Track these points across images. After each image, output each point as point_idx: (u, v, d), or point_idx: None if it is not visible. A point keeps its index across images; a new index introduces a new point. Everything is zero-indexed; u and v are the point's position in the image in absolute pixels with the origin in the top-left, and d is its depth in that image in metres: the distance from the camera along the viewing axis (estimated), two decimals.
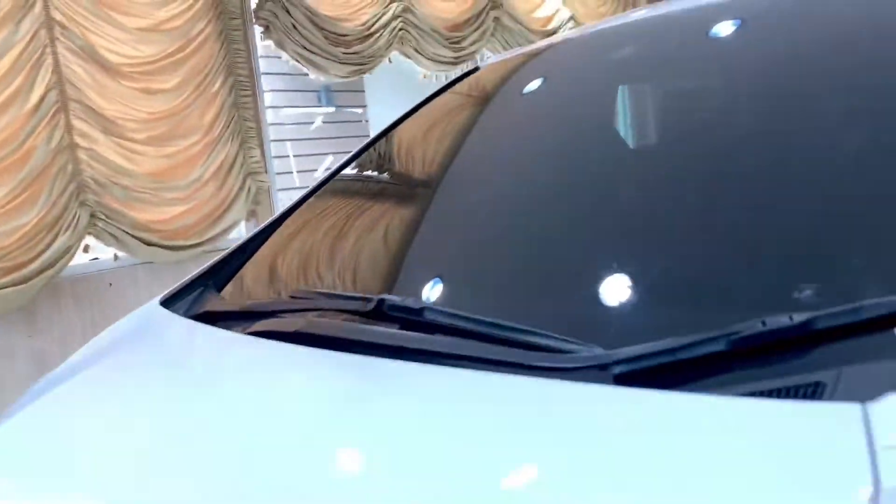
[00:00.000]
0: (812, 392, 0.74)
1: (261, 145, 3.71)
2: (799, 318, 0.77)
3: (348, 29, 3.99)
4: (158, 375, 1.33)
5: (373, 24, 4.07)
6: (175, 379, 1.30)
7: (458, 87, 2.15)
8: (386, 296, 1.16)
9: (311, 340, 1.13)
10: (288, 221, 1.88)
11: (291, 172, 4.14)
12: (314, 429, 0.94)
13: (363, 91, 5.00)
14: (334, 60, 3.94)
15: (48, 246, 2.93)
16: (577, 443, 0.75)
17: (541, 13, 5.19)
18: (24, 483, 1.09)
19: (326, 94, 4.93)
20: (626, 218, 1.23)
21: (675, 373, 0.80)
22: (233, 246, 1.92)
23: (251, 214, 3.70)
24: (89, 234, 3.13)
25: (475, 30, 4.63)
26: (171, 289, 1.84)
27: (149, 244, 3.26)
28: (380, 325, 1.14)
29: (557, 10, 5.29)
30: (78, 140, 3.06)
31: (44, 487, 1.05)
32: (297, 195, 2.04)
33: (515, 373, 0.88)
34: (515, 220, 1.42)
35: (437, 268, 1.39)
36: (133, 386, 1.33)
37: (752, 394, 0.77)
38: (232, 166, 3.54)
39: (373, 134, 2.07)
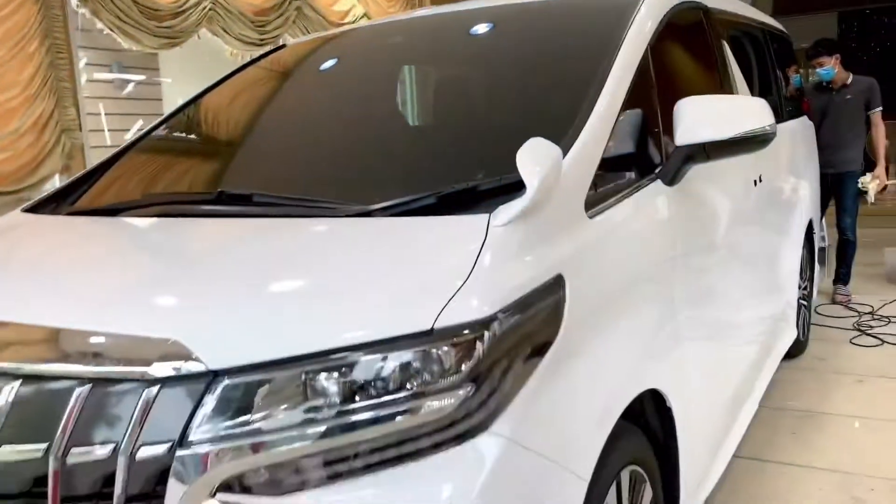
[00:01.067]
0: None
1: (76, 105, 4.04)
2: None
3: (161, 5, 4.41)
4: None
5: (185, 3, 4.52)
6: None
7: (263, 61, 2.79)
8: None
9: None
10: (127, 155, 2.44)
11: (103, 130, 4.48)
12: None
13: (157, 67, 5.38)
14: (147, 32, 4.34)
15: None
16: None
17: (338, 7, 5.86)
18: None
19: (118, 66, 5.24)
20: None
21: None
22: (79, 174, 2.46)
23: (65, 168, 4.03)
24: None
25: (279, 16, 5.20)
26: (29, 203, 2.32)
27: None
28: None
29: (353, 6, 5.98)
30: None
31: None
32: (109, 152, 2.59)
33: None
34: (285, 145, 2.15)
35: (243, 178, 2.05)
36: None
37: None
38: (48, 121, 3.87)
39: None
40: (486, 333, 1.24)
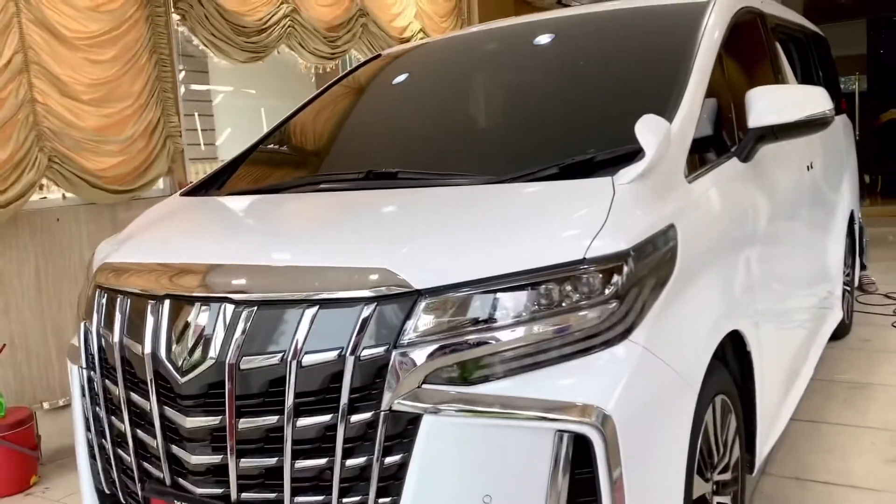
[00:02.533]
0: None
1: (177, 113, 4.47)
2: None
3: (248, 22, 4.84)
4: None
5: (268, 20, 4.94)
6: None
7: (366, 67, 3.18)
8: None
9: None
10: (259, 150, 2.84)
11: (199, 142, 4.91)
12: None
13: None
14: (236, 47, 4.77)
15: (16, 181, 3.58)
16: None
17: (398, 23, 6.28)
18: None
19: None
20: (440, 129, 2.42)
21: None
22: (218, 167, 2.85)
23: (170, 171, 4.46)
24: (46, 176, 3.79)
25: (347, 32, 5.62)
26: (186, 188, 2.71)
27: (93, 186, 3.95)
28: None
29: (410, 23, 6.41)
30: (37, 96, 3.72)
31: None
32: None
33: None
34: (416, 130, 2.53)
35: (383, 160, 2.42)
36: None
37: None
38: (155, 128, 4.29)
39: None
40: (625, 263, 1.59)
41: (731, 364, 2.22)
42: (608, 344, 1.56)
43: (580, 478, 1.51)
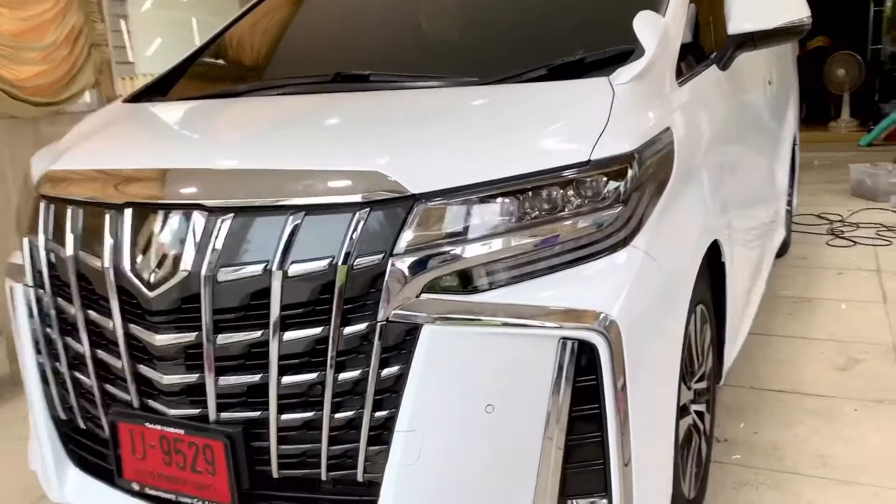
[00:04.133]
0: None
1: (102, 19, 4.12)
2: None
3: None
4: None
5: None
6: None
7: None
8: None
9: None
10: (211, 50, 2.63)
11: (125, 47, 4.55)
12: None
13: None
14: None
15: None
16: None
17: None
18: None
19: None
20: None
21: None
22: (159, 74, 2.63)
23: (96, 83, 4.13)
24: None
25: None
26: (131, 93, 2.49)
27: (12, 97, 3.62)
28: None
29: None
30: None
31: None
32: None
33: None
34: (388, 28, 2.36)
35: (351, 61, 2.26)
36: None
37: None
38: (79, 35, 3.95)
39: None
40: (629, 166, 1.52)
41: (705, 275, 2.22)
42: (611, 250, 1.50)
43: (582, 386, 1.47)
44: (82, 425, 1.88)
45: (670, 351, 1.65)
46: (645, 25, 1.69)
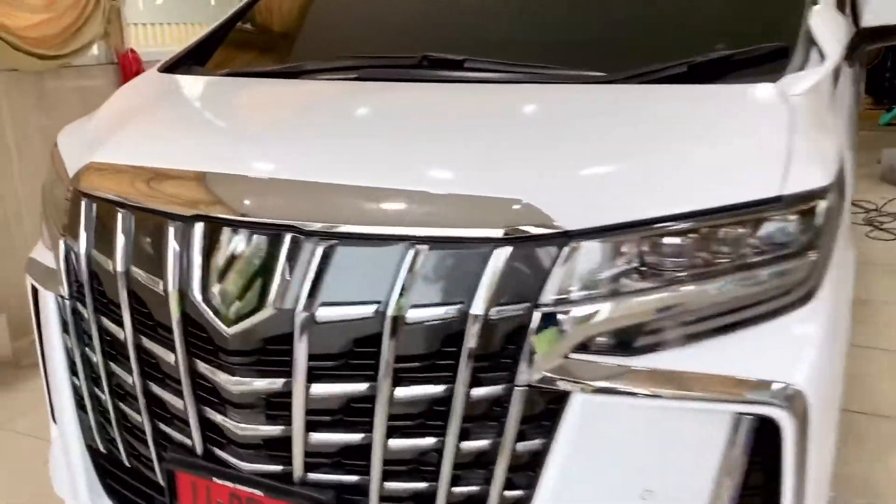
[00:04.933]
0: None
1: None
2: None
3: None
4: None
5: None
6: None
7: None
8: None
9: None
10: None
11: None
12: None
13: None
14: None
15: None
16: None
17: None
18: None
19: None
20: None
21: None
22: (197, 38, 2.30)
23: (105, 35, 3.75)
24: None
25: None
26: (166, 60, 2.17)
27: (14, 48, 3.24)
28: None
29: None
30: None
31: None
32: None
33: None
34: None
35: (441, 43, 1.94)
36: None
37: None
38: None
39: None
40: (822, 201, 1.25)
41: None
42: (796, 305, 1.25)
43: (756, 465, 1.23)
44: (127, 463, 1.62)
45: (835, 418, 1.41)
46: (825, 24, 1.41)
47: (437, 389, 1.24)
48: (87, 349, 1.61)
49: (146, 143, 1.61)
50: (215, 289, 1.33)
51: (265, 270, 1.29)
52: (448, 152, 1.33)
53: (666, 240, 1.20)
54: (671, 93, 1.46)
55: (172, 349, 1.41)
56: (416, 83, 1.65)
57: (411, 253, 1.21)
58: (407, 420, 1.27)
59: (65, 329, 1.66)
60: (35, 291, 1.88)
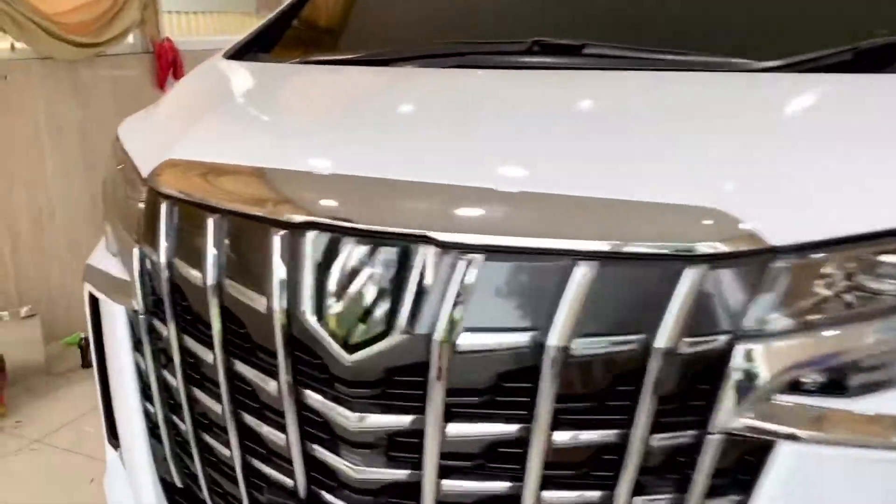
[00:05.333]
0: None
1: None
2: None
3: None
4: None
5: None
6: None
7: None
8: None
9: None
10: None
11: None
12: None
13: None
14: None
15: None
16: None
17: None
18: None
19: None
20: None
21: None
22: (263, 22, 2.10)
23: (142, 22, 3.55)
24: None
25: None
26: (230, 47, 1.97)
27: (49, 34, 3.05)
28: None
29: None
30: None
31: None
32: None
33: None
34: None
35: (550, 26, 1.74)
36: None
37: None
38: None
39: None
40: None
41: None
42: None
43: None
44: (209, 502, 1.43)
45: None
46: None
47: (607, 435, 1.04)
48: (164, 372, 1.42)
49: (233, 138, 1.42)
50: (333, 309, 1.13)
51: (395, 289, 1.09)
52: (606, 151, 1.12)
53: (891, 258, 1.00)
54: (846, 83, 1.26)
55: (274, 376, 1.22)
56: (530, 71, 1.44)
57: (578, 271, 1.00)
58: (566, 469, 1.07)
59: (137, 348, 1.48)
60: (94, 301, 1.69)
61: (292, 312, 1.16)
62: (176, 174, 1.36)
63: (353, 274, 1.12)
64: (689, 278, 0.98)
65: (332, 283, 1.13)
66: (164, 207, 1.35)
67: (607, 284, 1.01)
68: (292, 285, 1.16)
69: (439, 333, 1.05)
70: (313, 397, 1.19)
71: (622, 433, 1.03)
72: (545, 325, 1.02)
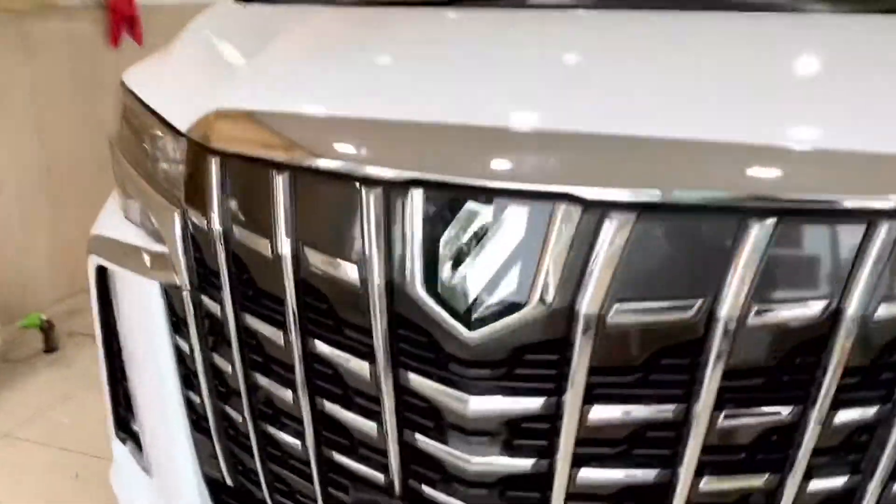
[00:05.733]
0: None
1: None
2: None
3: None
4: None
5: None
6: None
7: None
8: None
9: None
10: None
11: None
12: None
13: None
14: None
15: None
16: None
17: None
18: None
19: None
20: None
21: None
22: None
23: None
24: None
25: None
26: None
27: None
28: None
29: None
30: None
31: None
32: None
33: None
34: None
35: None
36: None
37: None
38: None
39: None
40: None
41: None
42: None
43: None
44: (269, 502, 1.26)
45: None
46: None
47: (779, 412, 0.93)
48: (215, 355, 1.24)
49: (294, 83, 1.22)
50: (451, 280, 0.97)
51: (527, 255, 0.94)
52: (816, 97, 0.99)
53: None
54: None
55: (365, 357, 1.06)
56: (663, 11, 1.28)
57: (747, 230, 0.88)
58: (727, 454, 0.96)
59: (178, 329, 1.28)
60: (101, 276, 1.48)
61: (395, 284, 1.00)
62: (231, 126, 1.17)
63: (474, 239, 0.97)
64: (882, 235, 0.87)
65: (447, 251, 0.98)
66: (214, 165, 1.16)
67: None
68: (395, 253, 1.00)
69: (588, 305, 0.91)
70: (418, 381, 1.03)
71: (799, 410, 0.92)
72: (714, 292, 0.89)
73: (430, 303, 0.99)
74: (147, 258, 1.30)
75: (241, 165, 1.14)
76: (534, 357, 0.97)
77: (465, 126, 1.01)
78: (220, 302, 1.18)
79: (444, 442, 1.05)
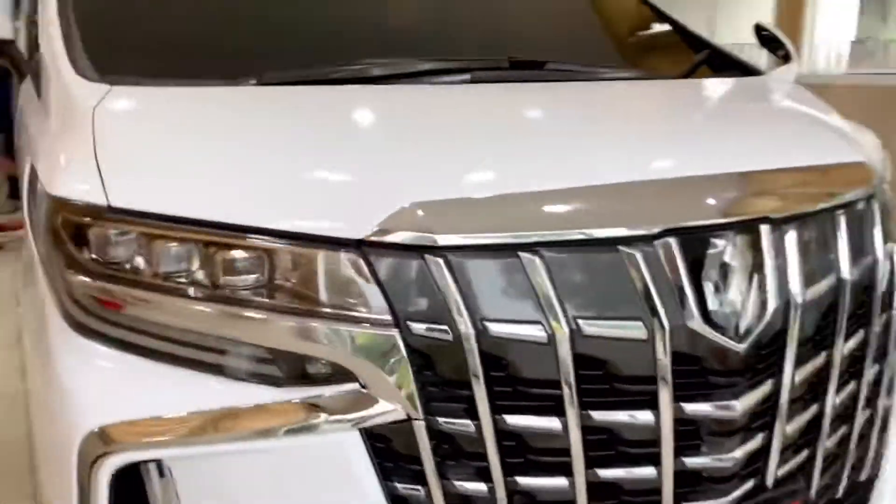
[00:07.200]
0: None
1: None
2: None
3: None
4: None
5: None
6: None
7: None
8: None
9: None
10: None
11: None
12: None
13: None
14: None
15: None
16: None
17: None
18: None
19: None
20: None
21: None
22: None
23: None
24: None
25: None
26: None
27: None
28: None
29: None
30: None
31: None
32: None
33: None
34: None
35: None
36: None
37: None
38: None
39: None
40: None
41: None
42: None
43: None
44: None
45: None
46: None
47: None
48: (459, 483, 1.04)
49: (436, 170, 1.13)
50: (719, 306, 1.13)
51: (756, 268, 1.18)
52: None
53: None
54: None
55: (643, 406, 1.11)
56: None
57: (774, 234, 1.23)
58: None
59: (390, 477, 1.03)
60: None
61: (676, 325, 1.11)
62: (444, 217, 1.03)
63: (721, 268, 1.15)
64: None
65: (709, 282, 1.14)
66: (440, 264, 1.01)
67: None
68: (671, 298, 1.11)
69: (798, 296, 1.20)
70: (689, 405, 1.14)
71: None
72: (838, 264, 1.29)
73: (707, 330, 1.13)
74: (321, 414, 1.00)
75: (475, 256, 1.04)
76: (768, 350, 1.20)
77: (650, 181, 1.20)
78: (471, 413, 1.03)
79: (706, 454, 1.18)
